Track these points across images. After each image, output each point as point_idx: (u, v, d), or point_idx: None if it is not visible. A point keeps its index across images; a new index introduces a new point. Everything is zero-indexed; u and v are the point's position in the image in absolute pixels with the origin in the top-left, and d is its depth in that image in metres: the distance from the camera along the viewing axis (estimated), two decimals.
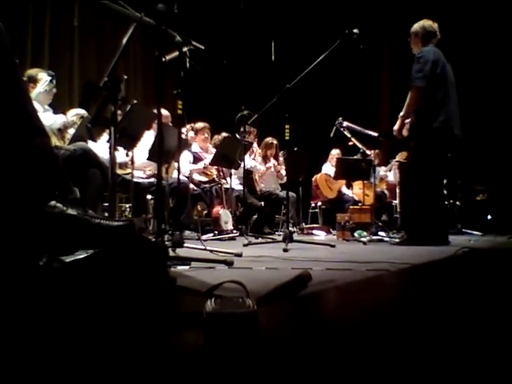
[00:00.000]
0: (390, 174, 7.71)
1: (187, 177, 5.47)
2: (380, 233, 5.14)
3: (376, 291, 1.71)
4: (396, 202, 7.12)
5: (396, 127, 4.41)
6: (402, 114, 4.35)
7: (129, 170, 4.42)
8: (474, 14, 7.66)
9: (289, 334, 0.98)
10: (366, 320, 1.13)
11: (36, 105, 3.02)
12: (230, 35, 8.55)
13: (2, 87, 1.29)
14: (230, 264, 2.18)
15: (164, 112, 4.87)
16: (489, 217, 7.79)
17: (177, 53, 2.61)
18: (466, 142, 4.45)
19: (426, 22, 4.47)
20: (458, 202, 7.18)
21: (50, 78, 3.99)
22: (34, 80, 4.05)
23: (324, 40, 4.04)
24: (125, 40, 2.35)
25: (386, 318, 1.16)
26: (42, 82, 3.97)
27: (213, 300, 0.77)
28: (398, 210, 6.43)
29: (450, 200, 6.96)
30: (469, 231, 6.61)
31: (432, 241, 4.09)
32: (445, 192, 5.12)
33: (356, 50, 4.30)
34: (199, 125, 6.16)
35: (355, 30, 3.75)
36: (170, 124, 5.17)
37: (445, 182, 4.85)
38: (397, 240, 4.45)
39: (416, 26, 4.49)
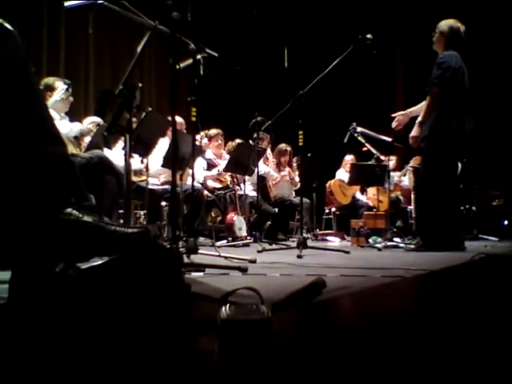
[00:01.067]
0: (404, 178, 7.66)
1: (201, 183, 5.49)
2: (395, 239, 5.10)
3: (391, 298, 1.70)
4: (411, 207, 7.07)
5: (413, 133, 4.32)
6: (419, 119, 4.28)
7: (144, 177, 4.45)
8: (490, 18, 7.60)
9: (303, 341, 0.98)
10: (381, 327, 1.13)
11: (53, 113, 3.06)
12: (244, 42, 8.59)
13: (19, 95, 1.31)
14: (244, 270, 2.18)
15: (178, 119, 4.91)
16: (505, 222, 7.70)
17: (191, 60, 2.64)
18: (482, 146, 4.41)
19: (455, 24, 4.36)
20: (473, 208, 7.11)
21: (66, 87, 4.05)
22: (50, 88, 4.10)
23: (337, 46, 4.04)
24: (140, 48, 2.38)
25: (401, 325, 1.15)
26: (59, 91, 4.03)
27: (227, 306, 0.77)
28: (413, 215, 6.39)
29: (465, 205, 6.90)
30: (485, 237, 6.54)
31: (448, 246, 4.06)
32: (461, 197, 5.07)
33: (369, 56, 4.29)
34: (213, 131, 6.19)
35: (369, 36, 3.74)
36: (184, 131, 5.20)
37: (461, 186, 4.80)
38: (412, 246, 4.41)
39: (444, 25, 4.37)
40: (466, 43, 4.45)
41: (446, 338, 1.00)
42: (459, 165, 4.59)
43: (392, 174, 6.41)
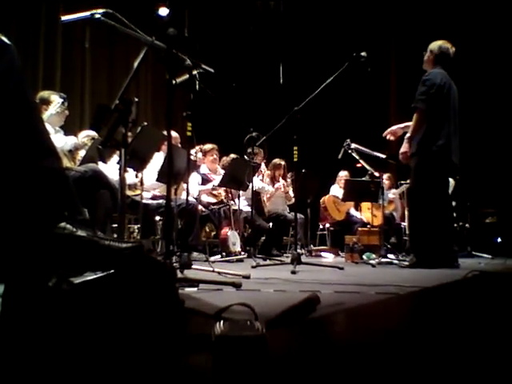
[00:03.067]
0: (397, 204, 7.64)
1: (196, 198, 5.48)
2: (389, 255, 5.10)
3: (385, 315, 1.70)
4: (405, 224, 7.08)
5: (402, 149, 4.39)
6: (408, 135, 4.35)
7: (138, 191, 4.45)
8: (481, 37, 7.71)
9: (298, 358, 0.97)
10: (375, 344, 1.12)
11: (48, 126, 3.06)
12: (239, 58, 8.66)
13: (14, 109, 1.31)
14: (238, 286, 2.17)
15: (173, 134, 4.92)
16: (498, 239, 7.73)
17: (187, 76, 2.65)
18: (475, 164, 4.45)
19: (444, 44, 4.46)
20: (467, 225, 7.13)
21: (61, 100, 4.05)
22: (46, 102, 4.11)
23: (332, 63, 4.08)
24: (136, 63, 2.39)
25: (395, 342, 1.15)
26: (54, 104, 4.03)
27: (221, 322, 0.77)
28: (407, 232, 6.40)
29: (459, 222, 6.92)
30: (479, 254, 6.55)
31: (441, 264, 4.06)
32: (454, 214, 5.10)
33: (364, 73, 4.34)
34: (207, 146, 6.21)
35: (363, 53, 3.79)
36: (179, 145, 5.21)
37: (454, 204, 4.83)
38: (406, 263, 4.42)
39: (434, 45, 4.48)
40: (458, 63, 4.52)
41: (440, 356, 0.99)
42: (451, 181, 4.62)
43: (386, 191, 6.43)
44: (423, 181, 4.30)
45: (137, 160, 3.90)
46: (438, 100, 4.24)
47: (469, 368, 0.90)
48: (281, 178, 6.91)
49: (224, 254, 5.27)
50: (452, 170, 4.44)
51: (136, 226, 5.23)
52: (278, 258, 5.17)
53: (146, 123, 4.09)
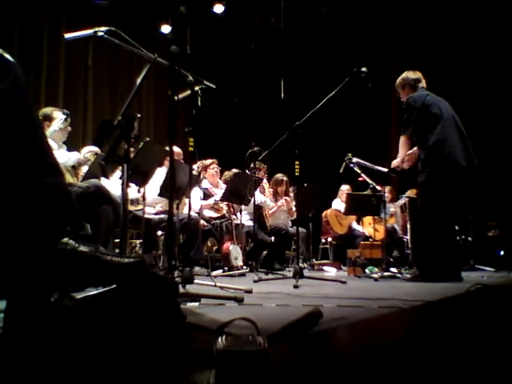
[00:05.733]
0: (396, 223, 7.63)
1: (198, 213, 5.49)
2: (391, 269, 5.09)
3: (388, 329, 1.69)
4: (407, 237, 7.06)
5: (394, 164, 4.59)
6: (399, 160, 4.54)
7: (140, 207, 4.46)
8: (482, 51, 7.75)
9: (300, 372, 0.97)
10: (378, 358, 1.12)
11: (51, 142, 3.08)
12: (241, 74, 8.72)
13: (18, 125, 1.32)
14: (240, 301, 2.16)
15: (176, 149, 4.94)
16: (501, 252, 7.69)
17: (189, 92, 2.68)
18: (478, 173, 4.42)
19: (406, 74, 4.68)
20: (470, 238, 7.11)
21: (64, 117, 4.08)
22: (49, 118, 4.14)
23: (333, 78, 4.11)
24: (139, 80, 2.42)
25: (398, 356, 1.15)
26: (57, 121, 4.06)
27: (223, 337, 0.77)
28: (410, 245, 6.38)
29: (462, 236, 6.89)
30: (481, 267, 6.53)
31: (444, 277, 4.05)
32: (456, 228, 5.09)
33: (364, 88, 4.38)
34: (208, 160, 6.25)
35: (363, 69, 3.83)
36: (182, 161, 5.23)
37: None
38: (409, 276, 4.40)
39: (398, 81, 4.72)
40: (459, 80, 4.58)
41: (443, 369, 0.99)
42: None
43: (388, 204, 6.42)
44: (432, 195, 4.28)
45: (139, 175, 3.92)
46: (425, 120, 4.30)
47: (472, 382, 0.90)
48: (283, 194, 6.92)
49: (226, 268, 5.26)
50: (464, 176, 4.39)
51: (138, 241, 5.23)
52: (280, 273, 5.16)
53: (148, 139, 4.12)
